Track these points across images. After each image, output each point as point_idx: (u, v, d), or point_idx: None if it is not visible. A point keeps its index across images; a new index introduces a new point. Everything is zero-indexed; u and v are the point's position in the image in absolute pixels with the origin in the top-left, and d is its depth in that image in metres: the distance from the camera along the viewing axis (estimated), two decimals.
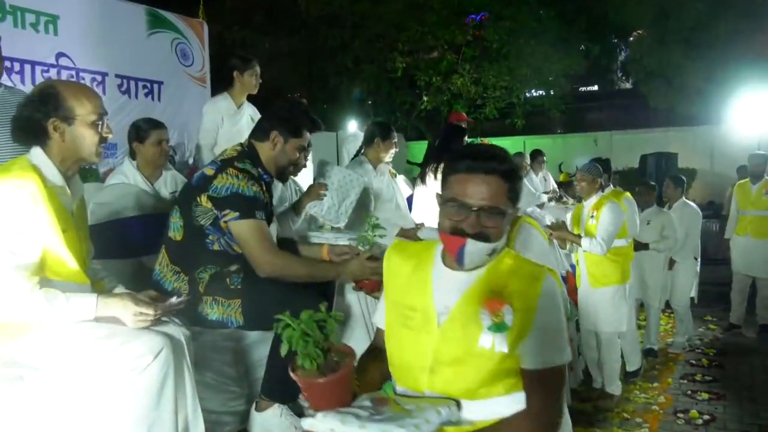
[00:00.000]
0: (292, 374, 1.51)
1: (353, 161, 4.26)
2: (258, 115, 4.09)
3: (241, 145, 2.71)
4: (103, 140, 2.08)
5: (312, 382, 1.47)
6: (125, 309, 2.00)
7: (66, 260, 1.97)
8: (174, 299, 2.18)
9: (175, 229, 2.56)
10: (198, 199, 2.49)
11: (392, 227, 3.79)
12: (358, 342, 3.21)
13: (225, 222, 2.47)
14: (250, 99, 4.29)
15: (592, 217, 4.24)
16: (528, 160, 7.64)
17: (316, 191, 3.46)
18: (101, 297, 1.99)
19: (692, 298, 5.73)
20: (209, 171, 2.55)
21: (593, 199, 4.32)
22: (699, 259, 5.85)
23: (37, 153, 2.00)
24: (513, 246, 2.08)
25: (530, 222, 2.28)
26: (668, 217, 5.32)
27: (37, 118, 1.98)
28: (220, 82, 5.21)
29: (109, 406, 1.92)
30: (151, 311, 2.03)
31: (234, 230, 2.48)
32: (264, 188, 2.62)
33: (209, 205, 2.48)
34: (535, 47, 11.56)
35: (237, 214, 2.45)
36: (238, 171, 2.50)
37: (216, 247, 2.52)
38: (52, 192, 1.94)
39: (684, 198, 5.75)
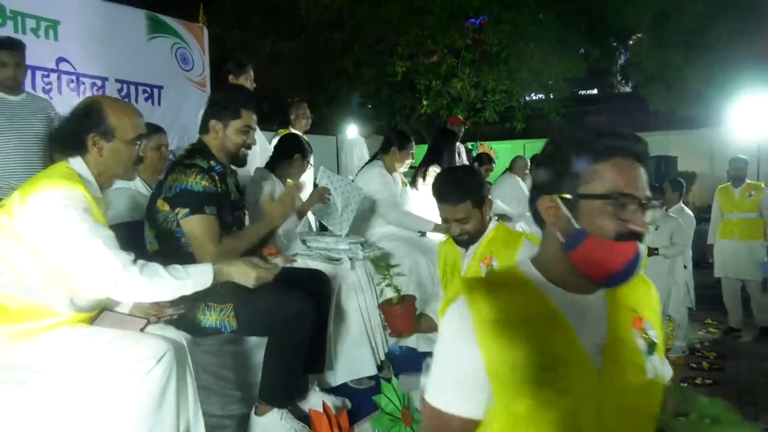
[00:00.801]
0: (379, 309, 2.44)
1: (368, 164, 4.26)
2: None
3: (192, 143, 2.71)
4: (139, 160, 2.15)
5: (393, 309, 2.52)
6: (245, 273, 2.19)
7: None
8: (280, 260, 2.46)
9: (150, 241, 2.55)
10: (157, 205, 2.48)
11: (400, 240, 3.81)
12: (356, 347, 3.23)
13: (179, 220, 2.44)
14: None
15: None
16: (529, 164, 7.62)
17: (319, 194, 3.47)
18: (216, 263, 2.15)
19: (689, 308, 5.76)
20: (162, 175, 2.56)
21: None
22: (690, 267, 5.89)
23: (77, 161, 2.03)
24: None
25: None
26: (677, 222, 5.32)
27: (78, 132, 2.03)
28: (219, 86, 5.22)
29: (112, 409, 1.92)
30: (269, 275, 2.25)
31: (184, 227, 2.45)
32: (218, 180, 2.56)
33: (166, 207, 2.46)
34: (534, 51, 11.58)
35: (187, 210, 2.43)
36: (186, 167, 2.48)
37: (190, 248, 2.50)
38: (94, 202, 1.98)
39: (681, 203, 5.79)
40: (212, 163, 2.58)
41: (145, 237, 2.57)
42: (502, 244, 2.27)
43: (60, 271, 1.92)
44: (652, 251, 4.94)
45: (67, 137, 2.05)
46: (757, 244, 5.96)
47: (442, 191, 2.29)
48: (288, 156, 3.60)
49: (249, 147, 2.73)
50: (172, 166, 2.54)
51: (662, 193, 5.60)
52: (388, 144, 4.16)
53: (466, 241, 2.34)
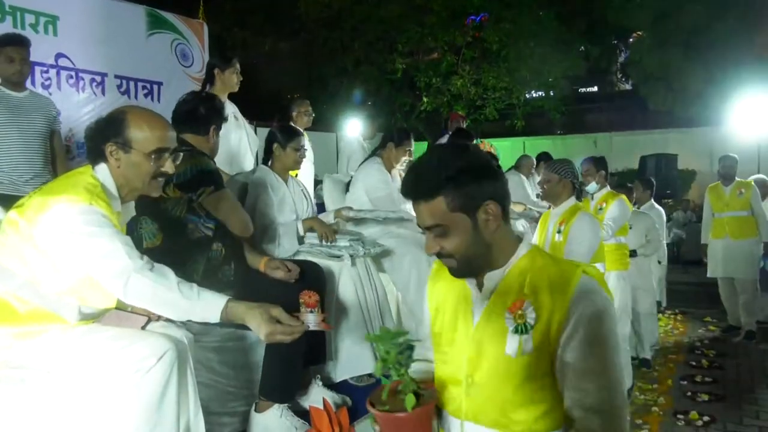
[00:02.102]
0: (370, 408, 1.35)
1: (368, 161, 4.21)
2: (240, 115, 4.09)
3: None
4: (159, 174, 2.03)
5: (393, 417, 1.33)
6: (259, 328, 1.88)
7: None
8: (313, 321, 2.02)
9: (150, 237, 2.47)
10: (165, 193, 2.43)
11: (399, 237, 3.79)
12: (357, 344, 3.22)
13: (200, 201, 2.46)
14: (252, 100, 4.28)
15: (559, 232, 3.52)
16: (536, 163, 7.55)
17: (326, 232, 3.31)
18: (231, 303, 1.90)
19: (659, 302, 5.74)
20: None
21: (563, 207, 3.61)
22: (664, 262, 5.87)
23: (102, 169, 1.99)
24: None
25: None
26: (649, 219, 5.34)
27: (97, 140, 1.98)
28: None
29: (112, 407, 1.91)
30: (289, 337, 1.91)
31: (214, 205, 2.48)
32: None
33: (178, 192, 2.46)
34: (534, 49, 11.60)
35: (212, 187, 2.50)
36: (191, 154, 2.51)
37: (197, 234, 2.52)
38: (112, 212, 1.94)
39: (652, 200, 5.81)
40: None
41: (142, 237, 2.46)
42: (547, 283, 1.37)
43: (73, 282, 1.91)
44: (632, 253, 4.90)
45: (90, 144, 2.01)
46: (752, 242, 5.93)
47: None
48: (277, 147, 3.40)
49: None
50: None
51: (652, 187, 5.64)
52: (387, 140, 4.13)
53: (459, 270, 1.45)
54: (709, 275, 6.23)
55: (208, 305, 1.89)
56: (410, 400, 1.31)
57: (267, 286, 2.51)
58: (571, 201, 3.61)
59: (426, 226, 1.39)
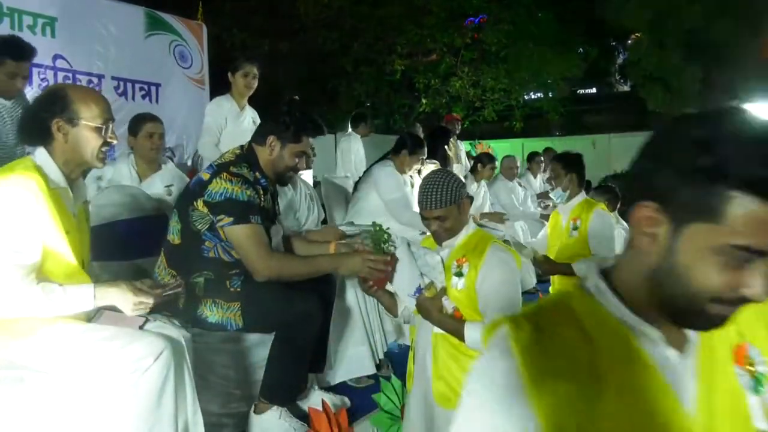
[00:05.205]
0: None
1: (380, 163, 4.25)
2: (258, 120, 4.08)
3: (241, 147, 2.69)
4: (106, 144, 2.10)
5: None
6: (124, 297, 2.01)
7: (68, 261, 1.98)
8: (170, 288, 2.20)
9: (174, 233, 2.55)
10: (195, 203, 2.48)
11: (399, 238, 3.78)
12: (356, 346, 3.21)
13: (220, 227, 2.45)
14: (250, 101, 4.29)
15: (575, 229, 3.40)
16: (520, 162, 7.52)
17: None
18: (98, 286, 1.99)
19: None
20: (205, 175, 2.53)
21: (573, 202, 3.49)
22: None
23: (41, 153, 2.01)
24: (482, 266, 2.06)
25: (500, 244, 2.18)
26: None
27: (42, 118, 2.00)
28: (219, 85, 5.20)
29: (110, 407, 1.91)
30: (150, 299, 2.05)
31: (229, 236, 2.46)
32: (262, 192, 2.59)
33: (205, 210, 2.46)
34: (533, 50, 11.60)
35: (231, 219, 2.43)
36: (233, 176, 2.47)
37: (212, 254, 2.50)
38: (55, 193, 1.95)
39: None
40: (258, 175, 2.60)
41: (169, 227, 2.58)
42: (473, 248, 2.16)
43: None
44: None
45: (32, 124, 2.03)
46: None
47: (419, 197, 2.21)
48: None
49: (297, 171, 2.77)
50: (218, 170, 2.51)
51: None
52: (400, 146, 4.19)
53: (442, 236, 2.23)
54: None
55: (78, 299, 1.94)
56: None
57: (278, 297, 2.48)
58: (582, 195, 3.51)
59: (433, 217, 2.14)
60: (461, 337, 2.04)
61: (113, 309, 2.10)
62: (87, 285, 1.99)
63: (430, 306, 2.12)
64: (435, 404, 2.16)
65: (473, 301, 2.08)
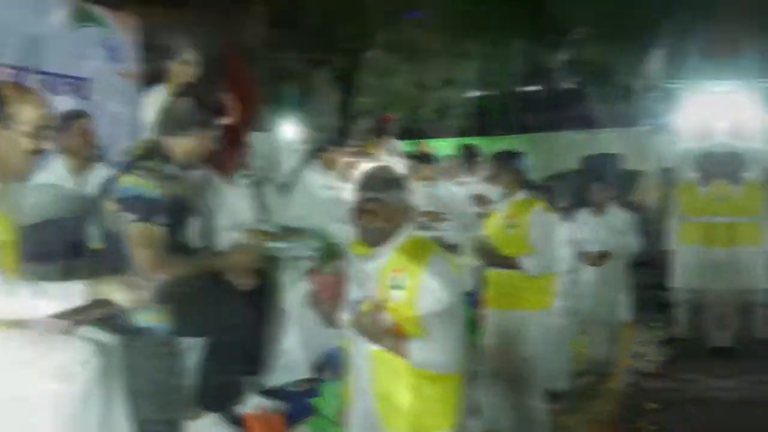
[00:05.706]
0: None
1: (308, 162, 4.33)
2: None
3: (148, 142, 2.63)
4: (37, 152, 1.98)
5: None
6: (120, 293, 1.95)
7: None
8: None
9: (95, 240, 2.50)
10: (106, 203, 2.42)
11: None
12: (295, 349, 3.18)
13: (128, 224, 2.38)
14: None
15: (511, 227, 3.51)
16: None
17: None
18: (87, 282, 1.94)
19: None
20: (116, 172, 2.48)
21: (512, 200, 3.66)
22: None
23: None
24: (423, 278, 2.04)
25: (439, 253, 2.19)
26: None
27: None
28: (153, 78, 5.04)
29: (33, 415, 1.84)
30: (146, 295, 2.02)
31: (130, 233, 2.38)
32: (173, 185, 2.51)
33: (115, 208, 2.40)
34: (475, 47, 11.69)
35: (135, 216, 2.36)
36: (140, 170, 2.42)
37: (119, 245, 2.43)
38: None
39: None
40: (167, 166, 2.52)
41: (90, 234, 2.52)
42: (413, 258, 2.08)
43: None
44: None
45: None
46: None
47: (362, 179, 2.18)
48: None
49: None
50: (127, 167, 2.45)
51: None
52: (326, 143, 4.24)
53: (373, 237, 2.13)
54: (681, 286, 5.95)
55: (65, 296, 1.88)
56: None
57: (199, 303, 2.44)
58: (522, 194, 3.57)
59: (366, 208, 2.11)
60: (404, 355, 2.00)
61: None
62: (76, 283, 1.93)
63: (367, 322, 2.04)
64: (379, 423, 2.12)
65: (414, 315, 2.02)
